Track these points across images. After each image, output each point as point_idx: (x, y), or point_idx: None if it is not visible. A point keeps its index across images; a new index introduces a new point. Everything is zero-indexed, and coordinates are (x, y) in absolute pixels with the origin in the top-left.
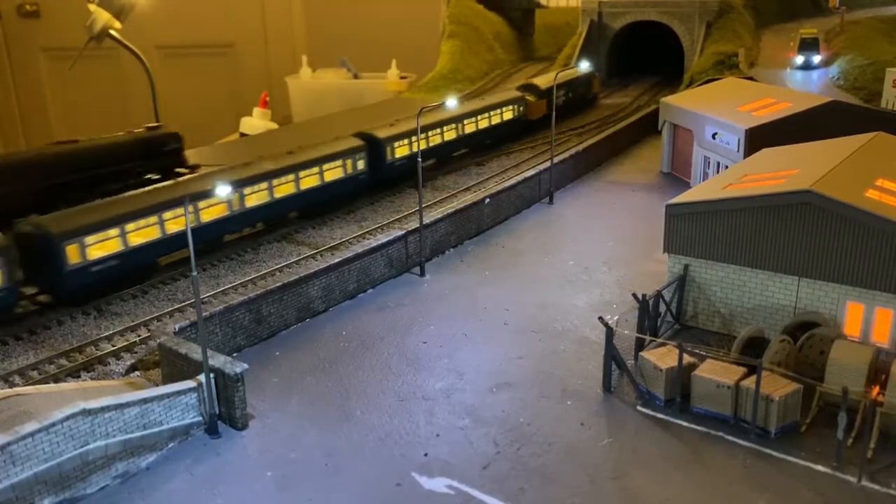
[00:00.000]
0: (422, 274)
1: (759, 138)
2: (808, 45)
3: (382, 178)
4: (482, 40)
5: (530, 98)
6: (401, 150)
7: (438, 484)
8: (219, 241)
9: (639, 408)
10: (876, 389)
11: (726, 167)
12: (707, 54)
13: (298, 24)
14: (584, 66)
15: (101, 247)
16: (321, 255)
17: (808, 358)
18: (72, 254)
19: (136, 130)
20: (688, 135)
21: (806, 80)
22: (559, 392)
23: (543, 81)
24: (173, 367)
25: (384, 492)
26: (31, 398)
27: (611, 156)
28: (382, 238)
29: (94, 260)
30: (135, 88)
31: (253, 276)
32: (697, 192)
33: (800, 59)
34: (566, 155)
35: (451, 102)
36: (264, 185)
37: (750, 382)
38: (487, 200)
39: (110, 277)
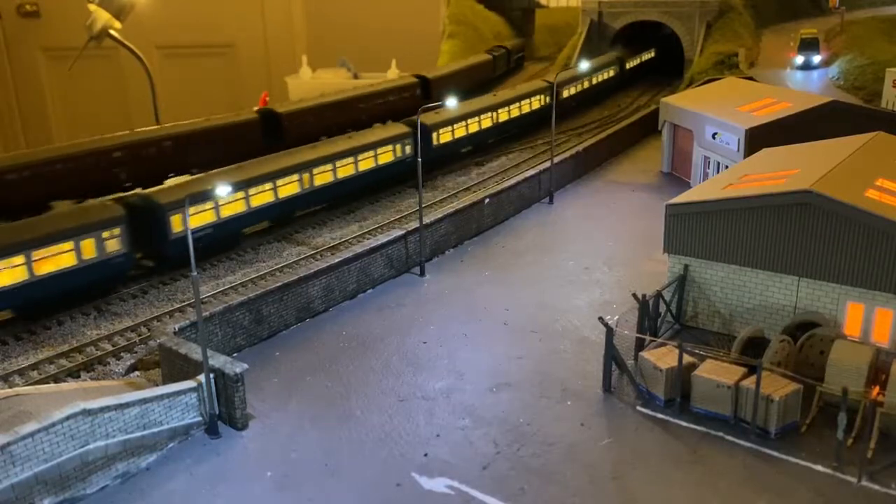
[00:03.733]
0: (422, 274)
1: (759, 138)
2: (808, 45)
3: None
4: (482, 40)
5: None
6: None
7: (438, 484)
8: None
9: (639, 408)
10: (876, 389)
11: (726, 167)
12: (707, 54)
13: (298, 24)
14: (584, 65)
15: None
16: (321, 255)
17: (808, 358)
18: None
19: (506, 44)
20: (688, 135)
21: (806, 80)
22: (559, 392)
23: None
24: (173, 367)
25: (384, 492)
26: (31, 398)
27: (611, 156)
28: (382, 238)
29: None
30: (135, 88)
31: (253, 276)
32: (697, 192)
33: (800, 59)
34: (566, 155)
35: (451, 102)
36: None
37: (750, 382)
38: (487, 200)
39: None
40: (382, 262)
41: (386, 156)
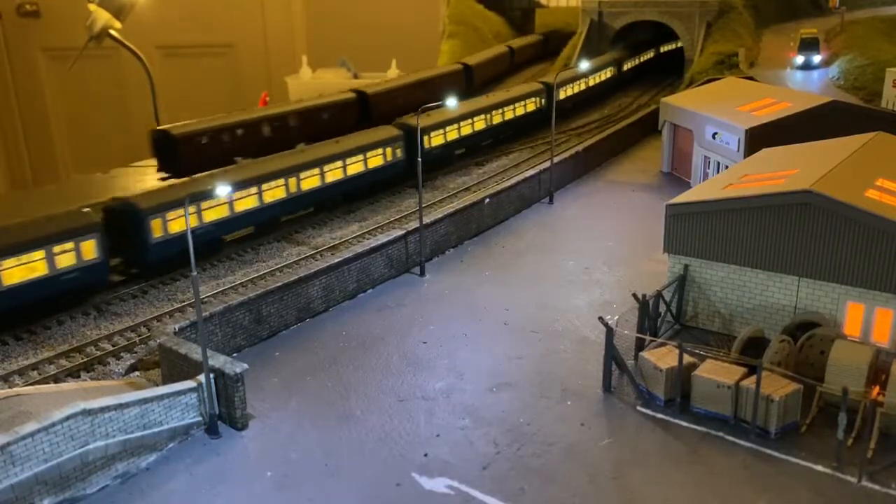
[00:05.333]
0: (422, 274)
1: (759, 138)
2: (808, 45)
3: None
4: (482, 40)
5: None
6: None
7: (438, 484)
8: None
9: (639, 408)
10: (876, 389)
11: (726, 167)
12: (707, 54)
13: (298, 24)
14: (584, 66)
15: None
16: (321, 255)
17: (808, 358)
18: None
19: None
20: (688, 135)
21: (806, 80)
22: (559, 392)
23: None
24: (173, 367)
25: (384, 492)
26: (31, 398)
27: (611, 156)
28: (382, 238)
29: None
30: (135, 88)
31: (253, 276)
32: (697, 192)
33: (800, 59)
34: (566, 155)
35: (451, 102)
36: None
37: (750, 382)
38: (487, 200)
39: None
40: (382, 262)
41: (530, 105)
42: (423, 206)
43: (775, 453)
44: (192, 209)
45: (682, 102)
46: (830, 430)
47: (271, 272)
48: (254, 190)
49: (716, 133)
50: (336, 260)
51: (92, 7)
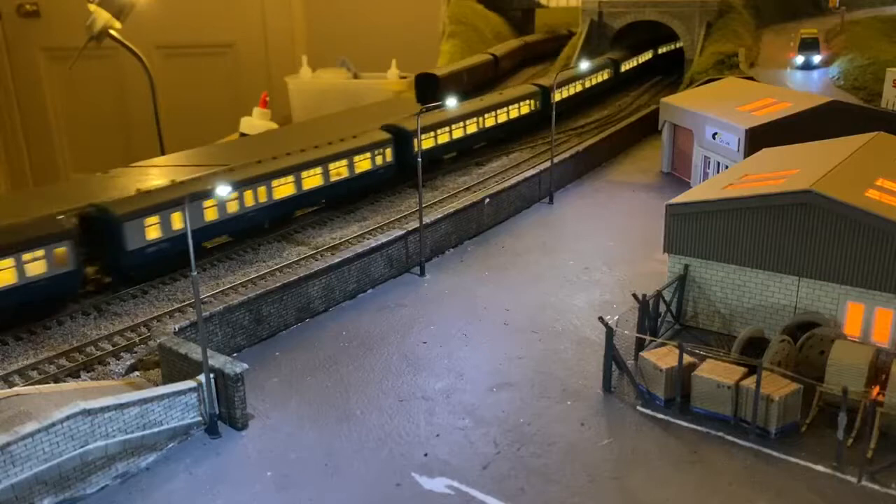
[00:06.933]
0: (422, 274)
1: (759, 138)
2: (808, 45)
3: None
4: (482, 40)
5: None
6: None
7: (438, 484)
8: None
9: (639, 408)
10: (876, 389)
11: (726, 167)
12: (707, 54)
13: (298, 24)
14: (584, 65)
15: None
16: (321, 255)
17: (808, 358)
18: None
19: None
20: (688, 135)
21: (806, 80)
22: (559, 392)
23: None
24: (173, 367)
25: (384, 492)
26: (31, 398)
27: (611, 156)
28: (382, 238)
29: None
30: (135, 88)
31: (253, 276)
32: (697, 192)
33: (800, 59)
34: (566, 155)
35: (451, 102)
36: None
37: (750, 382)
38: (487, 200)
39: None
40: (382, 262)
41: (603, 76)
42: (423, 206)
43: (775, 453)
44: (430, 134)
45: (682, 102)
46: (830, 430)
47: (271, 272)
48: (447, 128)
49: (716, 133)
50: (336, 260)
51: (92, 7)
